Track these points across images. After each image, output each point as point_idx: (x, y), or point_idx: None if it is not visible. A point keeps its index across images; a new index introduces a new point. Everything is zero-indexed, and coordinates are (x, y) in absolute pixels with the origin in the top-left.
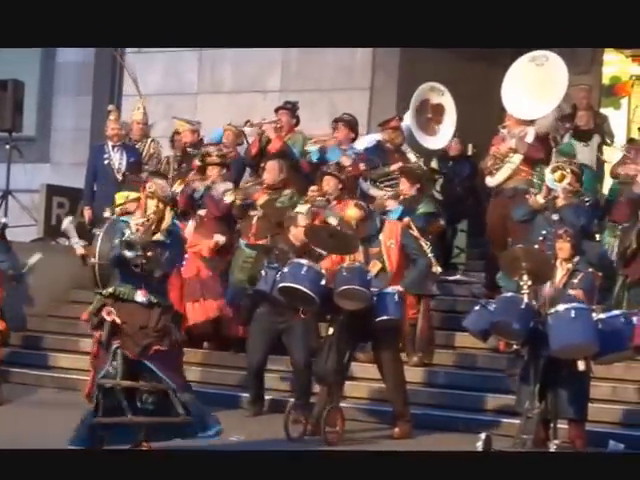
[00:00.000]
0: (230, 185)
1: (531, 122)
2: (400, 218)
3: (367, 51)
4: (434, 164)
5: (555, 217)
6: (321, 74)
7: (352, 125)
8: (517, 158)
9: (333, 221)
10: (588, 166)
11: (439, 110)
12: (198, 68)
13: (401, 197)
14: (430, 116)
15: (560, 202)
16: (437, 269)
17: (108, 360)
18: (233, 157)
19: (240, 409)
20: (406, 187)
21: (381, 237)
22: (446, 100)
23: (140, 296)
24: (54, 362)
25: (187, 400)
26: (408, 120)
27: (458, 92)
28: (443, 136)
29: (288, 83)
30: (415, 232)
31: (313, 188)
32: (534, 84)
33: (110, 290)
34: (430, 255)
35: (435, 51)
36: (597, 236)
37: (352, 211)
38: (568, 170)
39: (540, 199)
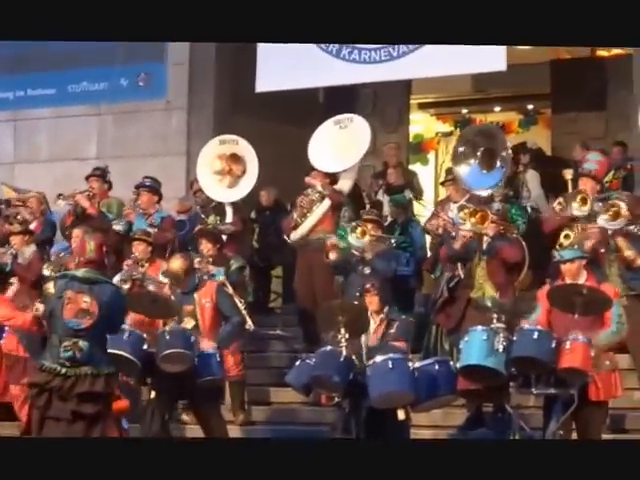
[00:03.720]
0: (33, 247)
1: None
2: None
3: (182, 118)
4: (253, 214)
5: (367, 271)
6: (137, 141)
7: (155, 189)
8: (325, 204)
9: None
10: (416, 221)
11: (235, 160)
12: (14, 137)
13: (211, 260)
14: (228, 168)
15: (368, 255)
16: (250, 326)
17: None
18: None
19: None
20: (207, 248)
21: (196, 295)
22: (241, 148)
23: None
24: None
25: None
26: (201, 178)
27: (268, 152)
28: (245, 186)
29: (104, 150)
30: (230, 290)
31: (128, 262)
32: (338, 144)
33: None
34: (244, 313)
35: (247, 115)
36: None
37: (177, 262)
38: (368, 225)
39: (332, 256)
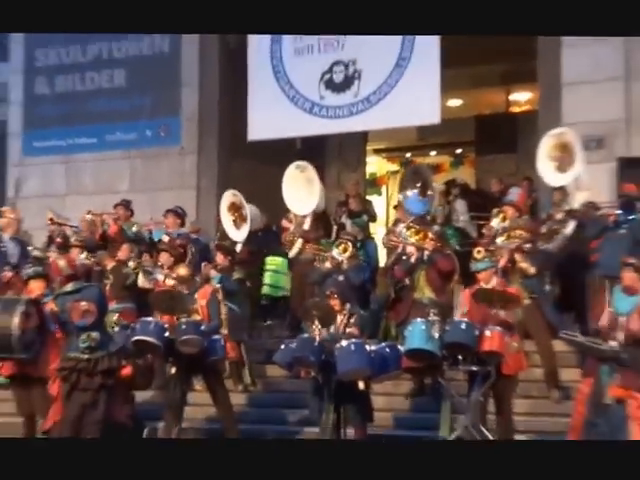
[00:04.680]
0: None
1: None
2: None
3: (193, 160)
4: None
5: (340, 277)
6: (158, 178)
7: (178, 214)
8: (299, 241)
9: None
10: (371, 239)
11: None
12: (65, 175)
13: (218, 267)
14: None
15: (345, 266)
16: (224, 332)
17: None
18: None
19: None
20: (220, 259)
21: (196, 296)
22: (241, 200)
23: None
24: None
25: None
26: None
27: (258, 185)
28: (245, 231)
29: (134, 185)
30: (220, 297)
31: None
32: (301, 184)
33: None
34: (222, 319)
35: (242, 158)
36: None
37: (182, 270)
38: (349, 243)
39: (327, 265)
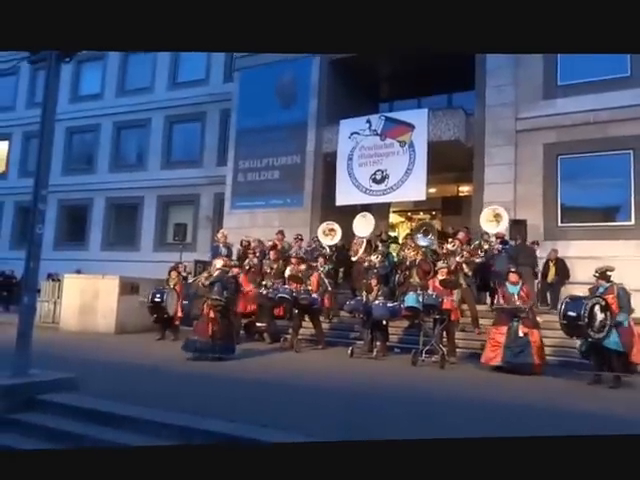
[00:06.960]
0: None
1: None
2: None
3: (308, 213)
4: (334, 248)
5: (375, 271)
6: (293, 221)
7: (301, 239)
8: (360, 250)
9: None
10: (390, 253)
11: (332, 230)
12: (250, 219)
13: (321, 264)
14: (329, 232)
15: (377, 265)
16: (329, 289)
17: None
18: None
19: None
20: (321, 260)
21: (311, 278)
22: (335, 227)
23: None
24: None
25: None
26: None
27: (340, 225)
28: (333, 241)
29: (282, 224)
30: (323, 276)
31: (293, 261)
32: (362, 223)
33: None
34: (327, 284)
35: (332, 212)
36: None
37: (303, 266)
38: (380, 255)
39: (367, 265)
